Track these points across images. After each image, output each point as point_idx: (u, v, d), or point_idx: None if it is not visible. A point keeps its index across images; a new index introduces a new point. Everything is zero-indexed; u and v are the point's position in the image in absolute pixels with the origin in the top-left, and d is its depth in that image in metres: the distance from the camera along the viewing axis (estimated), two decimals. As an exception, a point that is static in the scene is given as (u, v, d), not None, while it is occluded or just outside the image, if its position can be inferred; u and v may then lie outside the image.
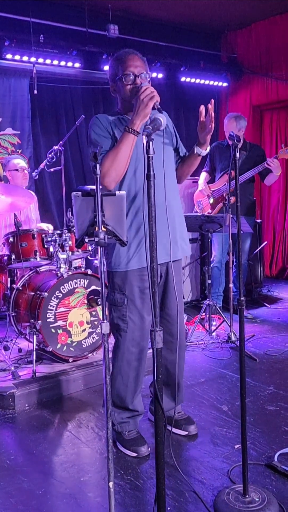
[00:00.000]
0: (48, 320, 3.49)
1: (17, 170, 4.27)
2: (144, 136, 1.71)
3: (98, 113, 6.49)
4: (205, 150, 2.58)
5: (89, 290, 3.66)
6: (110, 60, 2.56)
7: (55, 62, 5.21)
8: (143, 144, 1.70)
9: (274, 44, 6.36)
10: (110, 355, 2.62)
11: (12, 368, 3.41)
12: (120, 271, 2.52)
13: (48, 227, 4.33)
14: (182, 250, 2.64)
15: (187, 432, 2.77)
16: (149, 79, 2.48)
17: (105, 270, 3.89)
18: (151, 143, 1.69)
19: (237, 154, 2.16)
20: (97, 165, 1.79)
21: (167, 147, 2.59)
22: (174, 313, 2.64)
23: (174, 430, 2.77)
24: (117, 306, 2.55)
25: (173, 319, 2.64)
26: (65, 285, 3.56)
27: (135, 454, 2.58)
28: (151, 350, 1.74)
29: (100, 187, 1.81)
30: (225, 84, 6.79)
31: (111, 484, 1.80)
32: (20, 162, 4.34)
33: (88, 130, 2.53)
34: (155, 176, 1.71)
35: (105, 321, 1.89)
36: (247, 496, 2.12)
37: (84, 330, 3.65)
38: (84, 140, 5.80)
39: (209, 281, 4.48)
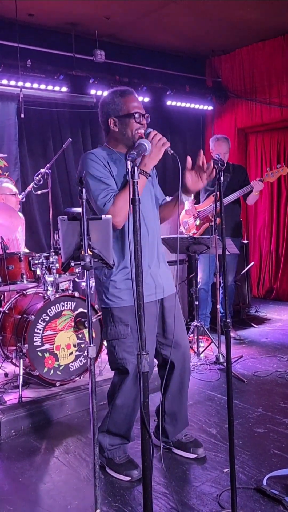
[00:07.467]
0: (35, 343, 3.45)
1: (13, 194, 4.24)
2: (128, 162, 1.73)
3: (85, 137, 6.46)
4: (190, 197, 2.62)
5: (76, 312, 3.65)
6: (110, 94, 2.53)
7: (42, 86, 5.26)
8: (128, 169, 1.73)
9: (258, 69, 6.52)
10: (97, 379, 2.60)
11: (-2, 393, 3.37)
12: (119, 307, 2.50)
13: None
14: (169, 286, 2.70)
15: (196, 455, 2.74)
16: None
17: (92, 292, 3.85)
18: (136, 168, 1.71)
19: (221, 178, 2.19)
20: (83, 190, 1.81)
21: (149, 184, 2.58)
22: (175, 338, 2.61)
23: (182, 453, 2.77)
24: (121, 339, 2.51)
25: (178, 344, 2.67)
26: (52, 308, 3.54)
27: (128, 478, 2.55)
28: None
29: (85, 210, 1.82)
30: (210, 108, 6.91)
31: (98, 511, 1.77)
32: (13, 187, 4.32)
33: (83, 164, 2.45)
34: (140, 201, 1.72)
35: (91, 344, 1.88)
36: (237, 521, 2.10)
37: (71, 353, 3.61)
38: (71, 163, 5.82)
39: (197, 302, 4.49)
